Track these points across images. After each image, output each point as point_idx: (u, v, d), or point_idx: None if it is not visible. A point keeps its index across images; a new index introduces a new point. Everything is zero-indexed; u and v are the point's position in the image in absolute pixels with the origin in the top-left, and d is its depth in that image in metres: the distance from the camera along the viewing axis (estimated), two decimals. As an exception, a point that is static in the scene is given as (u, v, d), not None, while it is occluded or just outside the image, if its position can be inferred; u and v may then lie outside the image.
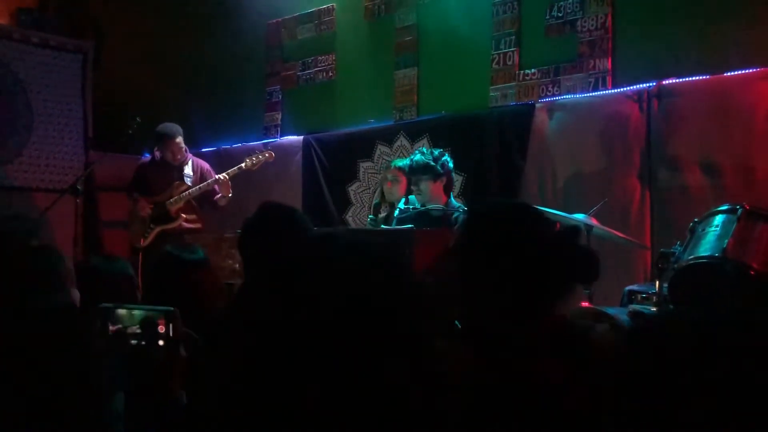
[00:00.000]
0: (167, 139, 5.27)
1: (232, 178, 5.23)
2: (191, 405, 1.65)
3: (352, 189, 5.82)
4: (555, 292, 1.49)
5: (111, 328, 1.52)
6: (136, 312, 1.54)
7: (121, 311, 1.54)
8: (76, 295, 2.34)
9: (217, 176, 5.22)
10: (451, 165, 4.19)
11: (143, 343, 1.52)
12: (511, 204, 1.64)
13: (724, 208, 3.01)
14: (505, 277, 1.44)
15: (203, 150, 6.44)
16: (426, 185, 4.07)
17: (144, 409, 1.51)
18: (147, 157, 5.94)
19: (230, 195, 5.21)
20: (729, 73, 4.06)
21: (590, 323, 1.45)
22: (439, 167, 4.06)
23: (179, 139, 5.29)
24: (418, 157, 4.11)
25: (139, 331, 1.53)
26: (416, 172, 4.08)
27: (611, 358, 1.35)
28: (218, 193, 5.25)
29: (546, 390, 1.19)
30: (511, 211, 1.59)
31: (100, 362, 1.42)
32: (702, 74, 4.16)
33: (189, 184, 5.31)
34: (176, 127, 5.32)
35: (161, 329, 1.53)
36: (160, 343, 1.53)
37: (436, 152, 4.15)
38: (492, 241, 1.51)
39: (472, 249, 1.54)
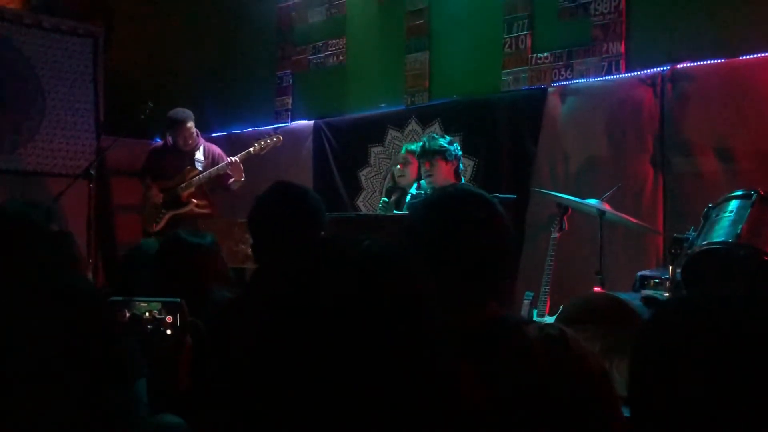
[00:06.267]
0: (179, 124, 5.28)
1: (242, 162, 5.25)
2: (196, 391, 1.69)
3: (363, 174, 5.81)
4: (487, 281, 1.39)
5: (122, 320, 1.62)
6: (144, 304, 1.64)
7: (130, 303, 1.64)
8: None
9: (229, 159, 5.23)
10: (459, 153, 4.23)
11: (152, 333, 1.62)
12: (453, 189, 1.51)
13: (739, 193, 2.99)
14: (440, 265, 1.31)
15: (214, 135, 6.45)
16: (438, 166, 4.11)
17: (157, 395, 1.56)
18: (158, 141, 5.96)
19: (243, 179, 5.23)
20: (744, 57, 4.01)
21: (521, 320, 1.39)
22: (451, 150, 4.13)
23: (190, 124, 5.31)
24: (430, 139, 4.17)
25: (147, 321, 1.63)
26: (428, 153, 4.12)
27: (540, 362, 1.29)
28: (231, 177, 5.27)
29: (451, 390, 1.11)
30: (449, 197, 1.48)
31: (124, 346, 1.47)
32: (717, 58, 4.11)
33: (200, 169, 5.33)
34: (187, 112, 5.34)
35: (169, 320, 1.63)
36: (168, 332, 1.63)
37: (448, 138, 4.21)
38: (426, 229, 1.42)
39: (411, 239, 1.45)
